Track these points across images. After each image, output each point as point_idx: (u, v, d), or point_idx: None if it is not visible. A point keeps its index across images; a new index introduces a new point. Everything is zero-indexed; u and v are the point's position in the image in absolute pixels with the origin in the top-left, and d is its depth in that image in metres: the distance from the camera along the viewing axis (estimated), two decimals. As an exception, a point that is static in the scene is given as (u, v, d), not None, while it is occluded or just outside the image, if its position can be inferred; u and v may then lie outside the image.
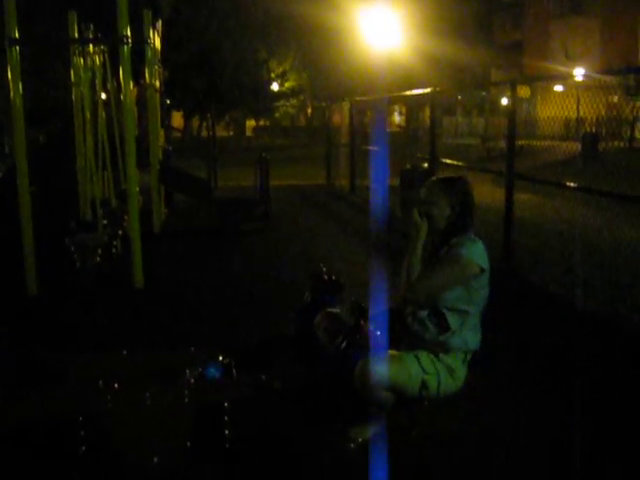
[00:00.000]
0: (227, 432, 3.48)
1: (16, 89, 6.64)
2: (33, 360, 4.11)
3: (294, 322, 4.42)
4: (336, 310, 3.90)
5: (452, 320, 3.48)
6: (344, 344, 3.61)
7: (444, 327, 3.48)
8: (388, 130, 15.25)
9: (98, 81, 9.42)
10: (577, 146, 10.38)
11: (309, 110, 51.64)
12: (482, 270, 3.45)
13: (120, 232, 8.17)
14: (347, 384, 3.43)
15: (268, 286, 6.88)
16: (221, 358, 3.66)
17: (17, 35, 6.53)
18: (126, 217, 8.04)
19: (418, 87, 11.77)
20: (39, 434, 3.61)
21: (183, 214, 11.75)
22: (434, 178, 3.74)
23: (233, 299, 6.41)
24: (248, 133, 54.24)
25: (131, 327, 5.53)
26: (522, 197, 7.84)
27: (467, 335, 3.52)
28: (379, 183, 12.79)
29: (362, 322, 3.60)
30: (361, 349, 3.46)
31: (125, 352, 3.86)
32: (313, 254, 8.38)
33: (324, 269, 4.51)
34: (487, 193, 9.64)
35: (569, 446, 3.55)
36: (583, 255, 6.97)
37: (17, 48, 6.58)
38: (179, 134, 40.41)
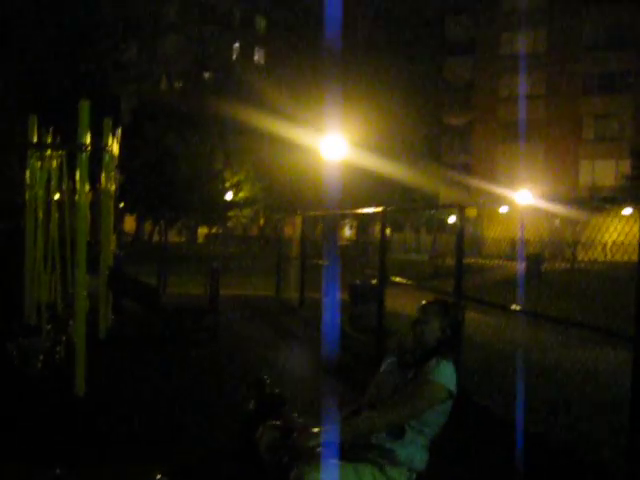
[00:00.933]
0: None
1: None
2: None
3: (236, 434, 4.32)
4: (277, 423, 3.83)
5: (408, 431, 3.47)
6: (286, 459, 3.53)
7: (396, 433, 3.46)
8: (338, 244, 15.47)
9: (53, 183, 9.46)
10: (522, 265, 10.66)
11: (262, 220, 52.21)
12: (450, 396, 3.51)
13: (64, 338, 7.99)
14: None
15: (211, 398, 6.75)
16: (159, 477, 3.54)
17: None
18: (71, 322, 7.90)
19: (369, 203, 12.06)
20: None
21: (130, 321, 11.56)
22: (432, 299, 3.89)
23: (175, 412, 6.25)
24: (200, 240, 54.35)
25: (67, 440, 5.32)
26: (469, 315, 7.94)
27: (416, 452, 3.49)
28: (329, 297, 12.85)
29: (302, 435, 3.53)
30: (302, 463, 3.38)
31: (58, 469, 3.71)
32: (259, 367, 8.30)
33: (267, 381, 4.46)
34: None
35: None
36: (525, 376, 7.04)
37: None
38: (130, 238, 40.29)
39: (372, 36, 43.92)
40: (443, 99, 55.38)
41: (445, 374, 3.51)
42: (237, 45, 54.86)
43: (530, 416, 6.23)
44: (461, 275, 7.52)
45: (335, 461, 3.40)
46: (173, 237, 43.02)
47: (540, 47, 51.32)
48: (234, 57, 54.02)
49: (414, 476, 3.51)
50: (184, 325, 10.29)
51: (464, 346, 7.39)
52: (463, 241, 7.63)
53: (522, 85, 45.80)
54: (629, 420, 4.81)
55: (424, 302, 3.79)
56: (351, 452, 3.48)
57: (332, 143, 22.05)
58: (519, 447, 5.24)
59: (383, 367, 3.87)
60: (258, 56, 56.58)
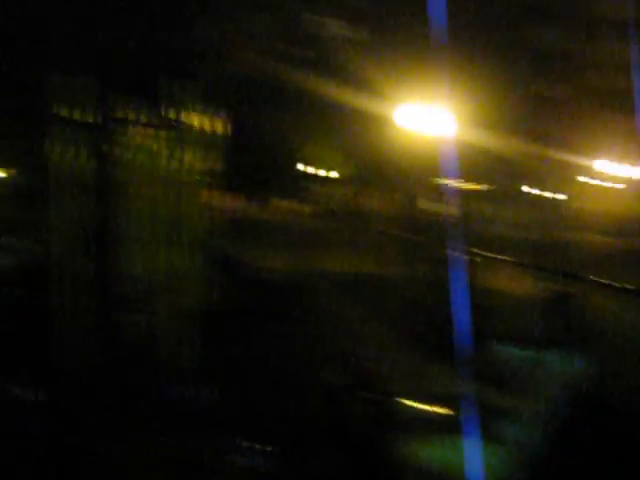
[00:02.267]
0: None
1: (60, 166, 6.77)
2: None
3: (328, 407, 4.27)
4: (373, 395, 3.76)
5: None
6: (380, 431, 3.45)
7: None
8: (428, 219, 15.14)
9: (146, 162, 9.62)
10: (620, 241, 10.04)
11: (354, 197, 52.15)
12: None
13: (158, 311, 8.13)
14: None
15: (301, 369, 6.74)
16: (253, 446, 3.52)
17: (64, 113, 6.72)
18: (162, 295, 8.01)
19: (467, 177, 11.65)
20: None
21: (219, 294, 11.66)
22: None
23: (266, 382, 6.28)
24: (290, 215, 54.59)
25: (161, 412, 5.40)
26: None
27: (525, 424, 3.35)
28: (420, 273, 12.58)
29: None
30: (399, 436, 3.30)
31: (152, 440, 3.75)
32: (349, 339, 8.22)
33: (358, 354, 4.37)
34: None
35: None
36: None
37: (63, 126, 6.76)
38: (221, 214, 40.83)
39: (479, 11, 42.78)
40: (539, 68, 53.59)
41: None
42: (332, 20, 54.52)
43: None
44: (560, 250, 7.22)
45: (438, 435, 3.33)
46: (264, 212, 43.59)
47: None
48: (327, 31, 53.72)
49: (516, 452, 3.38)
50: (274, 299, 10.32)
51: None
52: (561, 215, 7.32)
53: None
54: None
55: None
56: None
57: (424, 117, 21.59)
58: None
59: None
60: (354, 30, 56.00)
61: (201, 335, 8.36)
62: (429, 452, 3.33)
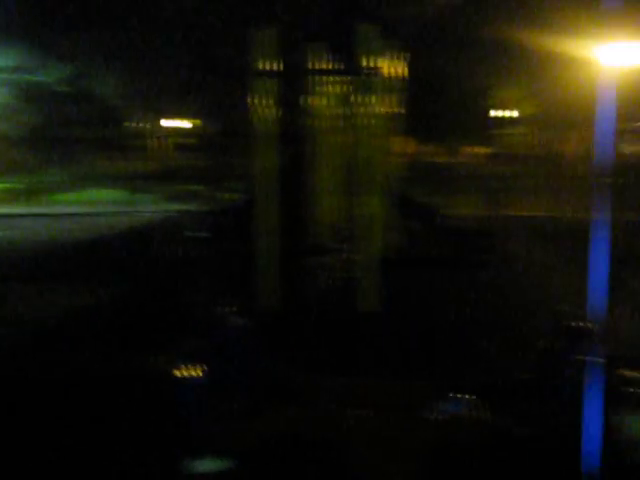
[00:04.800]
0: (469, 473, 3.36)
1: (262, 116, 7.03)
2: (277, 378, 4.25)
3: (539, 366, 4.20)
4: (599, 360, 3.65)
5: None
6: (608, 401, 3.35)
7: None
8: (627, 160, 14.31)
9: (338, 109, 9.75)
10: None
11: (538, 139, 50.11)
12: None
13: (353, 256, 8.31)
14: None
15: (502, 322, 6.66)
16: (465, 395, 3.56)
17: (263, 66, 6.94)
18: (358, 241, 8.18)
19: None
20: (279, 452, 3.70)
21: (410, 241, 11.73)
22: None
23: (466, 334, 6.27)
24: (476, 160, 53.49)
25: (363, 353, 5.57)
26: None
27: None
28: (616, 217, 11.96)
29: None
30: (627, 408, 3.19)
31: (365, 379, 3.88)
32: (549, 291, 8.02)
33: (568, 312, 4.25)
34: None
35: None
36: None
37: (263, 78, 6.98)
38: (409, 160, 40.78)
39: None
40: None
41: None
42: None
43: None
44: None
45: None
46: (449, 157, 42.87)
47: None
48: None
49: None
50: (465, 246, 10.23)
51: None
52: None
53: None
54: None
55: None
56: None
57: (612, 54, 20.27)
58: None
59: None
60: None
61: (392, 281, 8.48)
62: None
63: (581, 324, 3.99)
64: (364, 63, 7.11)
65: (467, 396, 3.63)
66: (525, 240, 12.86)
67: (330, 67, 9.91)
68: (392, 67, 11.06)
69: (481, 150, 52.82)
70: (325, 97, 9.79)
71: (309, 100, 10.07)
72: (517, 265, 9.98)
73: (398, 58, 12.20)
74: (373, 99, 10.53)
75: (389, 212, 10.59)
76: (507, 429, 3.58)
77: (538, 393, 4.03)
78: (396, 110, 12.88)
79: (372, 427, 3.37)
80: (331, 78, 9.80)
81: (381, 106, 10.46)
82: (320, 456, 3.41)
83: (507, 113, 43.24)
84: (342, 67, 10.25)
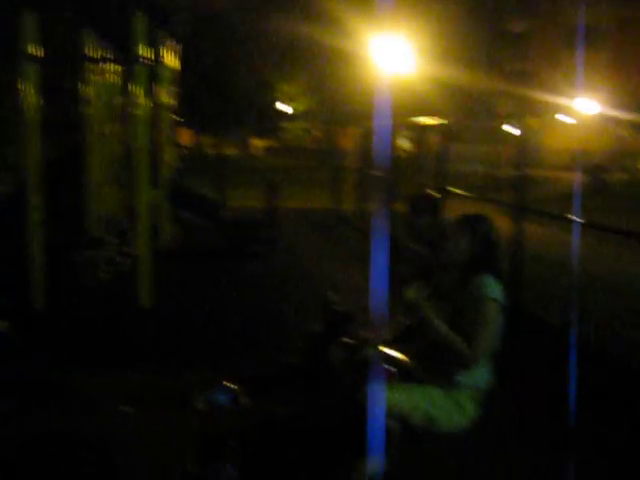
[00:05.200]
0: (233, 461, 3.44)
1: (32, 103, 6.70)
2: (39, 377, 4.09)
3: (303, 351, 4.39)
4: (351, 341, 3.89)
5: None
6: (357, 376, 3.59)
7: (462, 362, 3.48)
8: (395, 155, 15.28)
9: (112, 98, 9.51)
10: (583, 177, 10.43)
11: (317, 133, 51.82)
12: (503, 310, 3.50)
13: (128, 250, 8.17)
14: (355, 414, 3.41)
15: (273, 311, 6.86)
16: (229, 385, 3.64)
17: (34, 51, 6.61)
18: (133, 234, 8.05)
19: (426, 113, 11.83)
20: (39, 453, 3.58)
21: (190, 233, 11.72)
22: (458, 215, 3.80)
23: (239, 324, 6.39)
24: (256, 153, 54.44)
25: (137, 348, 5.51)
26: (530, 228, 7.86)
27: (480, 374, 3.52)
28: (386, 209, 12.78)
29: (374, 355, 3.58)
30: (370, 381, 3.44)
31: (131, 373, 3.85)
32: (319, 280, 8.39)
33: (334, 298, 4.49)
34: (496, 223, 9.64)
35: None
36: (589, 289, 6.97)
37: (33, 64, 6.65)
38: (188, 152, 40.56)
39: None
40: (502, 4, 53.18)
41: (494, 289, 3.48)
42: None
43: (589, 327, 6.21)
44: (522, 187, 7.38)
45: (406, 382, 3.46)
46: (229, 150, 43.10)
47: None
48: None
49: (479, 396, 3.54)
50: (243, 237, 10.41)
51: (524, 259, 7.37)
52: (524, 152, 7.47)
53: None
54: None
55: (451, 219, 3.75)
56: (419, 376, 3.53)
57: (386, 52, 21.55)
58: (575, 355, 5.21)
59: (433, 284, 3.83)
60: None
61: (168, 274, 8.44)
62: (396, 397, 3.45)
63: (343, 308, 4.23)
64: (140, 53, 6.97)
65: (236, 385, 3.72)
66: (303, 231, 13.34)
67: (105, 56, 9.63)
68: (171, 59, 10.99)
69: (263, 143, 53.11)
70: (100, 86, 9.51)
71: (83, 88, 9.74)
72: (293, 255, 10.33)
73: (177, 50, 12.13)
74: (150, 89, 10.38)
75: (168, 205, 10.53)
76: (276, 414, 3.71)
77: (305, 377, 4.23)
78: (174, 102, 12.80)
79: (139, 422, 3.35)
80: (106, 67, 9.54)
81: (158, 97, 10.36)
82: (86, 455, 3.35)
83: (289, 108, 44.12)
84: (117, 56, 10.00)
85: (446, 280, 3.72)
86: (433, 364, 3.51)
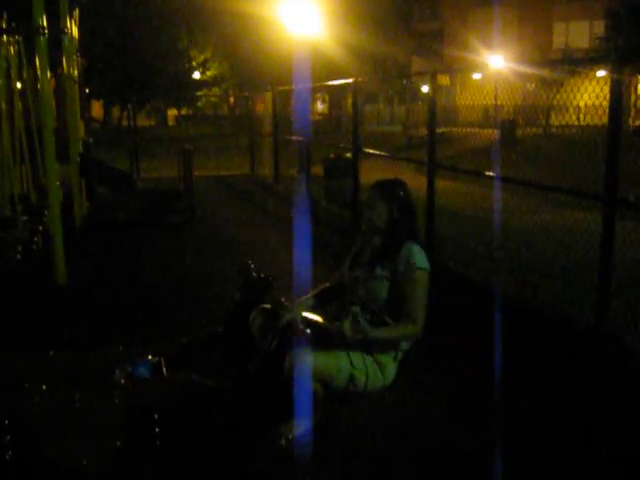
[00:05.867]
0: (157, 432, 3.45)
1: None
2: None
3: (224, 319, 4.40)
4: (269, 307, 3.90)
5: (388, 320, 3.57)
6: (276, 341, 3.62)
7: (381, 323, 3.55)
8: (311, 119, 15.29)
9: (13, 71, 9.17)
10: (496, 133, 10.68)
11: (232, 99, 51.22)
12: (429, 274, 3.61)
13: (40, 228, 7.97)
14: (279, 381, 3.45)
15: (195, 281, 6.83)
16: (150, 357, 3.63)
17: None
18: (46, 212, 7.87)
19: (340, 76, 11.86)
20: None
21: (105, 207, 11.50)
22: (374, 182, 3.83)
23: (159, 296, 6.34)
24: (170, 122, 53.47)
25: (55, 326, 5.41)
26: (443, 184, 8.03)
27: None
28: (302, 173, 12.84)
29: (294, 320, 3.61)
30: (293, 346, 3.47)
31: (51, 352, 3.79)
32: (239, 247, 8.37)
33: (252, 266, 4.50)
34: (409, 182, 9.81)
35: (490, 441, 3.67)
36: (501, 241, 7.18)
37: None
38: (98, 125, 39.53)
39: None
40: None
41: (421, 257, 3.58)
42: None
43: (505, 279, 6.42)
44: (434, 145, 7.52)
45: (326, 348, 3.49)
46: (142, 121, 42.17)
47: None
48: None
49: (400, 356, 3.63)
50: (160, 208, 10.28)
51: (435, 214, 7.55)
52: (435, 110, 7.58)
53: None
54: (598, 278, 4.96)
55: (369, 187, 3.79)
56: (338, 339, 3.56)
57: (298, 14, 21.45)
58: (496, 309, 5.39)
59: (354, 249, 3.89)
60: None
61: (84, 249, 8.29)
62: (318, 360, 3.50)
63: (262, 274, 4.25)
64: (41, 23, 6.70)
65: (158, 357, 3.70)
66: (223, 199, 13.25)
67: (2, 27, 9.27)
68: (74, 28, 10.62)
69: (176, 112, 52.00)
70: (2, 59, 9.15)
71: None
72: (213, 223, 10.26)
73: (80, 18, 11.73)
74: (58, 62, 10.05)
75: (80, 180, 10.27)
76: (197, 384, 3.71)
77: (226, 345, 4.25)
78: (81, 73, 12.41)
79: (62, 400, 3.31)
80: (9, 39, 9.16)
81: (63, 69, 10.03)
82: (9, 439, 3.29)
83: (200, 75, 43.31)
84: (17, 27, 9.62)
85: (368, 248, 3.76)
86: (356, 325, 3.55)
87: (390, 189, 3.69)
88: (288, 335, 3.53)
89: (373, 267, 3.64)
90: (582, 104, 6.17)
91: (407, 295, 3.54)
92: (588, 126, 7.63)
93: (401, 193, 3.68)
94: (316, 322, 3.64)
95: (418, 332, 3.54)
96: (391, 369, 3.60)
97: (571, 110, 6.63)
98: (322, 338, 3.54)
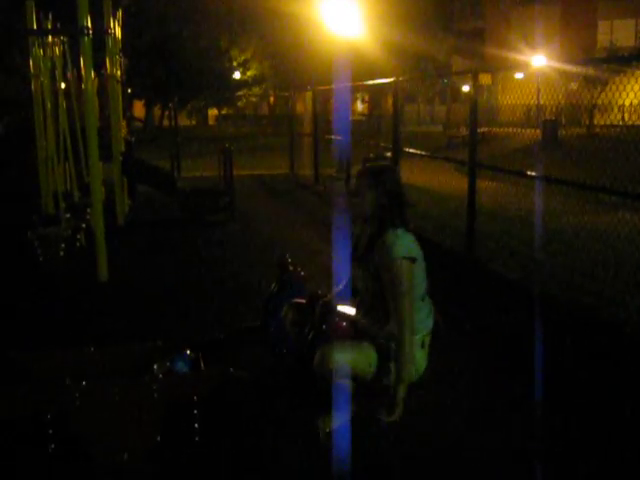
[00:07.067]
0: (196, 426, 3.47)
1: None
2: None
3: (261, 314, 4.42)
4: (303, 301, 3.91)
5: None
6: (311, 336, 3.62)
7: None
8: (351, 118, 15.27)
9: (58, 72, 9.31)
10: (538, 133, 10.52)
11: (272, 99, 51.43)
12: (414, 261, 3.48)
13: (83, 225, 8.09)
14: (313, 374, 3.44)
15: (234, 278, 6.86)
16: (189, 351, 3.65)
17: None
18: (89, 210, 7.98)
19: (380, 75, 11.82)
20: (4, 433, 3.57)
21: (147, 206, 11.64)
22: (362, 168, 3.74)
23: (199, 292, 6.38)
24: (211, 122, 53.86)
25: (96, 322, 5.49)
26: (484, 185, 7.94)
27: (417, 320, 3.53)
28: (342, 172, 12.83)
29: (328, 314, 3.62)
30: (327, 340, 3.47)
31: (92, 348, 3.83)
32: (278, 245, 8.38)
33: (289, 260, 4.51)
34: (450, 181, 9.76)
35: (525, 431, 3.62)
36: (544, 242, 7.08)
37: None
38: (140, 124, 39.96)
39: None
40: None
41: (400, 245, 3.46)
42: None
43: (546, 280, 6.32)
44: (475, 144, 7.45)
45: (357, 342, 3.48)
46: (183, 121, 42.55)
47: None
48: None
49: (427, 340, 3.59)
50: (201, 207, 10.35)
51: (476, 214, 7.48)
52: (477, 109, 7.52)
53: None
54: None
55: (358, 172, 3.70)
56: (371, 332, 3.54)
57: (338, 14, 21.43)
58: (536, 310, 5.32)
59: (353, 242, 3.84)
60: None
61: (126, 247, 8.39)
62: (350, 354, 3.49)
63: (297, 269, 4.26)
64: (85, 24, 6.78)
65: (196, 352, 3.73)
66: (262, 198, 13.30)
67: (49, 28, 9.40)
68: (117, 29, 10.75)
69: (216, 112, 52.29)
70: (47, 59, 9.30)
71: (29, 62, 9.53)
72: (252, 221, 10.30)
73: (123, 19, 11.86)
74: (101, 62, 10.18)
75: (122, 179, 10.41)
76: (235, 378, 3.73)
77: (261, 339, 4.26)
78: (126, 74, 12.57)
79: (102, 395, 3.35)
80: (51, 39, 9.29)
81: (109, 69, 10.16)
82: (51, 433, 3.35)
83: (242, 75, 43.46)
84: (63, 28, 9.76)
85: (364, 238, 3.69)
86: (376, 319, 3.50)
87: (377, 175, 3.59)
88: (325, 329, 3.53)
89: (366, 261, 3.57)
90: (627, 103, 6.06)
91: (389, 290, 3.45)
92: (634, 126, 7.48)
93: (388, 179, 3.58)
94: (350, 316, 3.63)
95: (405, 334, 3.41)
96: (419, 357, 3.56)
97: (616, 109, 6.52)
98: (355, 332, 3.54)
